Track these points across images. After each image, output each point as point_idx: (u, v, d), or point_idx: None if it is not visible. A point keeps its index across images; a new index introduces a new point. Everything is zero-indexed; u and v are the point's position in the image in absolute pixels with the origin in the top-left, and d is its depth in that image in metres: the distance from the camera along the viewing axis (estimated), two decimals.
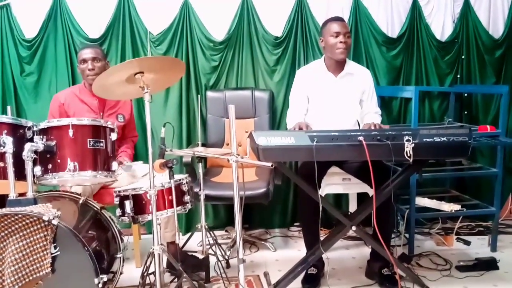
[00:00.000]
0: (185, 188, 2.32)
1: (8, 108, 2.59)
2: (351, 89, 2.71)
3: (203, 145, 2.94)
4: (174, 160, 2.15)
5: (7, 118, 1.99)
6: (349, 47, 2.67)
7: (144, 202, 2.19)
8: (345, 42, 2.59)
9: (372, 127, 2.41)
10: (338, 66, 2.68)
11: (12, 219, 1.79)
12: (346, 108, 2.72)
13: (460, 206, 2.89)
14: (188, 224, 3.42)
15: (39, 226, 1.81)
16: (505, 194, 3.53)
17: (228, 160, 1.93)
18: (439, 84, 3.51)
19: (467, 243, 3.09)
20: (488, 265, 2.69)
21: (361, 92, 2.74)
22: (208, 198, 2.68)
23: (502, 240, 3.10)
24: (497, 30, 3.51)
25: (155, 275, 2.06)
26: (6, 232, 1.80)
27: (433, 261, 2.81)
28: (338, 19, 2.68)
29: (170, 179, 2.18)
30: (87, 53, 2.68)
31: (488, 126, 3.00)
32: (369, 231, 2.69)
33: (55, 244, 1.84)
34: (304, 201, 2.50)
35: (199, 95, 3.29)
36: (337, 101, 2.69)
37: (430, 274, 2.62)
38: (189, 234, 2.83)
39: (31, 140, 1.98)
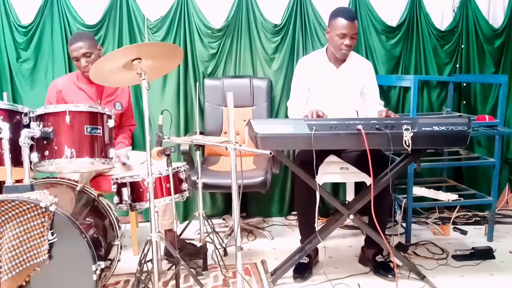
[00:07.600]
0: (182, 176, 2.32)
1: (5, 94, 2.56)
2: (351, 80, 2.68)
3: (201, 133, 2.93)
4: (172, 148, 2.15)
5: (3, 104, 1.96)
6: (353, 46, 2.60)
7: (141, 189, 2.18)
8: (350, 45, 2.54)
9: (384, 114, 2.36)
10: (340, 58, 2.65)
11: (9, 205, 1.78)
12: (346, 99, 2.69)
13: (457, 196, 2.89)
14: (185, 212, 3.43)
15: (36, 212, 1.80)
16: (502, 184, 3.55)
17: (227, 148, 1.92)
18: (438, 74, 3.50)
19: (464, 232, 3.11)
20: (484, 254, 2.70)
21: (361, 83, 2.71)
22: (206, 186, 2.68)
23: (498, 230, 3.12)
24: (496, 19, 3.49)
25: (152, 263, 2.06)
26: (3, 218, 1.79)
27: (430, 250, 2.83)
28: (349, 17, 2.50)
29: (168, 166, 2.18)
30: (76, 49, 2.57)
31: (486, 116, 3.00)
32: (365, 220, 2.69)
33: (52, 231, 1.83)
34: (300, 190, 2.50)
35: (197, 83, 3.27)
36: (337, 92, 2.67)
37: (427, 263, 2.64)
38: (186, 222, 2.83)
39: (28, 126, 1.96)
